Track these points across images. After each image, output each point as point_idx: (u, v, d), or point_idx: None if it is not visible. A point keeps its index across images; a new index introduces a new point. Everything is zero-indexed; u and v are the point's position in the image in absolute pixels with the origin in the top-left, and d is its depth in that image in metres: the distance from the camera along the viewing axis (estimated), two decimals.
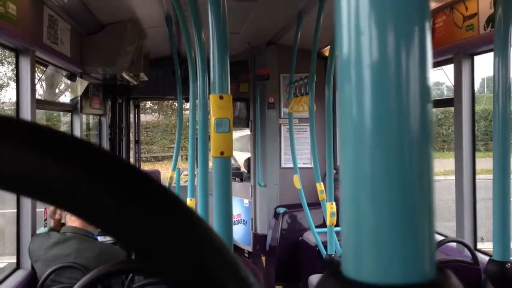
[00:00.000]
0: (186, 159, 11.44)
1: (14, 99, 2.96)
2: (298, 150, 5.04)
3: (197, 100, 2.50)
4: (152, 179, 0.30)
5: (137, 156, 7.04)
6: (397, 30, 0.31)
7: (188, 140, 4.12)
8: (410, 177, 0.32)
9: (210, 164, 2.06)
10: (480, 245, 3.38)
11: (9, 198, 5.63)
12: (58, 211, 2.99)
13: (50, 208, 2.99)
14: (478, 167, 3.30)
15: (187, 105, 6.24)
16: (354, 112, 0.32)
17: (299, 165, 4.64)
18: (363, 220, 0.32)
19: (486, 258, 2.74)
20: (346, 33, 0.32)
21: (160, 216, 0.29)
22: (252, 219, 5.81)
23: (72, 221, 2.87)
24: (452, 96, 3.38)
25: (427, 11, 0.32)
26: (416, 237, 0.31)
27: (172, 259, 0.29)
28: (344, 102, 0.33)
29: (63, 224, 2.97)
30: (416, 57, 0.31)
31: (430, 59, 0.32)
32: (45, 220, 3.28)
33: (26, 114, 2.86)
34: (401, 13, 0.31)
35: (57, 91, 4.12)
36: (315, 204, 4.44)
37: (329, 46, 3.69)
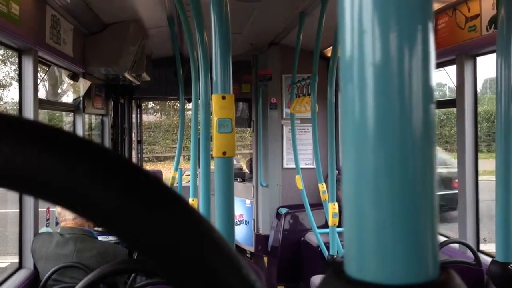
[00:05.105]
0: (188, 159, 11.43)
1: (16, 98, 2.96)
2: (300, 151, 5.04)
3: (199, 100, 2.50)
4: (160, 181, 0.30)
5: (139, 156, 7.05)
6: (400, 30, 0.31)
7: (190, 140, 4.11)
8: (412, 177, 0.31)
9: (212, 164, 2.06)
10: (482, 246, 3.37)
11: (11, 198, 5.64)
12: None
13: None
14: (480, 168, 3.29)
15: (189, 105, 6.26)
16: (356, 112, 0.32)
17: (301, 166, 4.64)
18: (366, 220, 0.32)
19: (489, 259, 2.74)
20: (349, 33, 0.32)
21: (168, 218, 0.29)
22: (254, 219, 5.81)
23: (65, 221, 2.86)
24: (455, 97, 3.38)
25: (430, 11, 0.32)
26: (419, 236, 0.31)
27: (179, 260, 0.29)
28: (346, 102, 0.33)
29: None
30: (419, 57, 0.31)
31: (433, 60, 0.32)
32: (48, 219, 3.28)
33: (28, 113, 2.86)
34: (404, 13, 0.31)
35: (59, 91, 4.12)
36: (317, 205, 4.44)
37: (331, 47, 3.69)
